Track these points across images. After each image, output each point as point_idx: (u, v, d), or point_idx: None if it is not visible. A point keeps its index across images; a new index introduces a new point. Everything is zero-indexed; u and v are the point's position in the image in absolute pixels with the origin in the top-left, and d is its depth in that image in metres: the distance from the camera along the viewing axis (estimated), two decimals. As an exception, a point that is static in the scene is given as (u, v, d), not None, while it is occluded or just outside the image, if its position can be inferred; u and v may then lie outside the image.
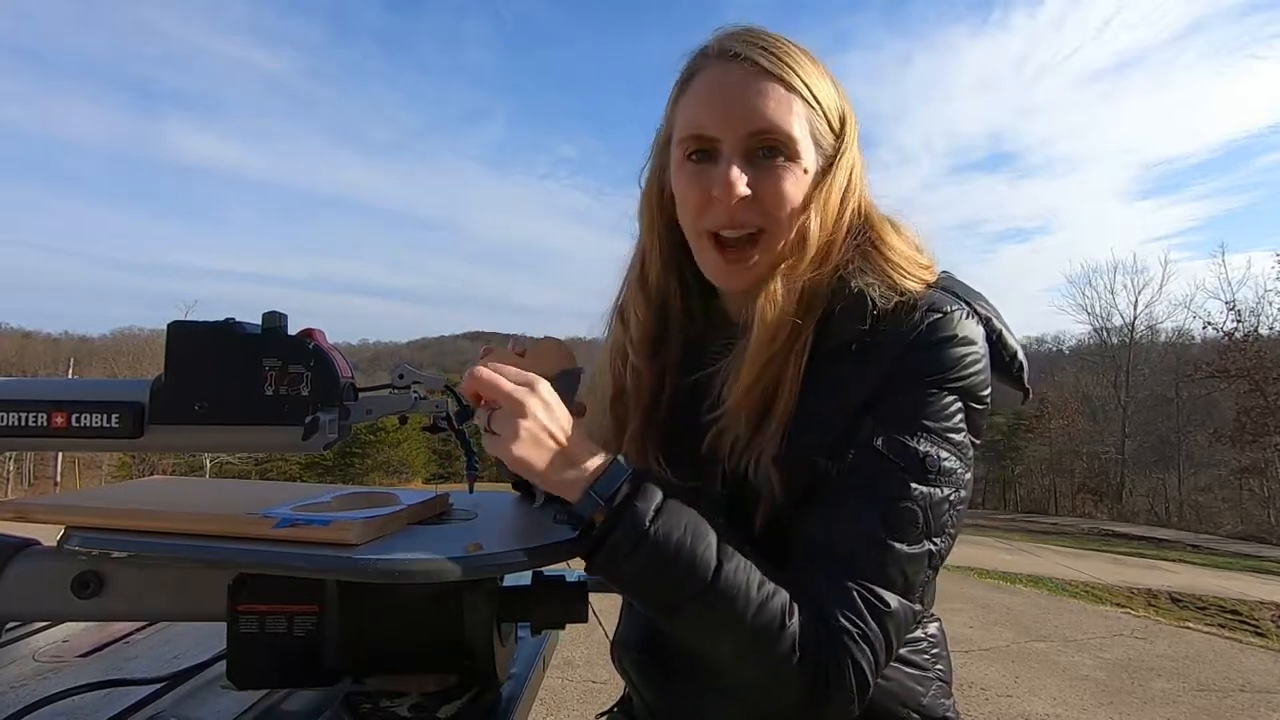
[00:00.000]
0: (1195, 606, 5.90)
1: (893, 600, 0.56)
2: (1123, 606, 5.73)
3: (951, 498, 0.59)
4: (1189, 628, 5.07)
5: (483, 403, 0.59)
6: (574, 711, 3.10)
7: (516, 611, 0.69)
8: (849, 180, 0.68)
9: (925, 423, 0.59)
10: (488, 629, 0.65)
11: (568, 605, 0.69)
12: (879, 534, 0.57)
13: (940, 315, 0.61)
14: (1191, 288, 29.88)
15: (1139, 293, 25.73)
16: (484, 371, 0.57)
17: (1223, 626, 5.23)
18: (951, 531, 0.59)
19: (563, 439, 0.57)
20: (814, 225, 0.65)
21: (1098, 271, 34.32)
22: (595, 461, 0.58)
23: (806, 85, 0.65)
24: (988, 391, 0.63)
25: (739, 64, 0.65)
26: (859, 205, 0.70)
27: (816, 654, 0.54)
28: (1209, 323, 20.20)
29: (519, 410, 0.56)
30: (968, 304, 0.64)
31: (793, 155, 0.65)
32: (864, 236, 0.67)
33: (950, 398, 0.60)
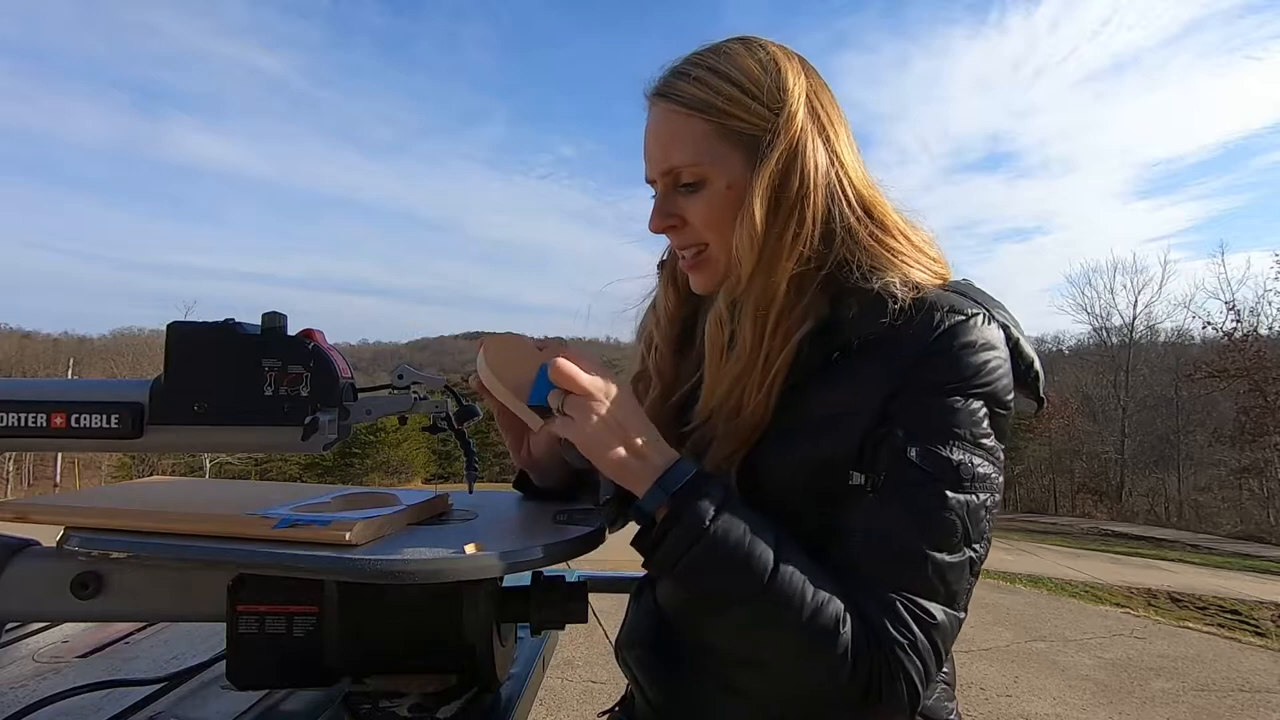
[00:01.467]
0: (1195, 606, 5.91)
1: (938, 611, 0.56)
2: (1122, 606, 5.74)
3: (987, 503, 0.59)
4: (1188, 627, 5.08)
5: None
6: (574, 711, 3.10)
7: (516, 611, 0.69)
8: (797, 167, 0.64)
9: (956, 430, 0.58)
10: (487, 629, 0.65)
11: (567, 605, 0.69)
12: (919, 546, 0.57)
13: (961, 319, 0.61)
14: (1191, 288, 29.90)
15: (1138, 293, 25.80)
16: (562, 362, 0.59)
17: (1222, 626, 5.24)
18: (988, 536, 0.60)
19: (633, 433, 0.59)
20: (742, 240, 0.64)
21: (1097, 271, 34.37)
22: (663, 458, 0.60)
23: (712, 93, 0.64)
24: (1011, 396, 0.62)
25: (654, 103, 0.68)
26: (832, 191, 0.65)
27: (869, 663, 0.54)
28: (1209, 323, 20.25)
29: (593, 397, 0.59)
30: (986, 310, 0.64)
31: (700, 182, 0.66)
32: (867, 228, 0.65)
33: (977, 404, 0.59)
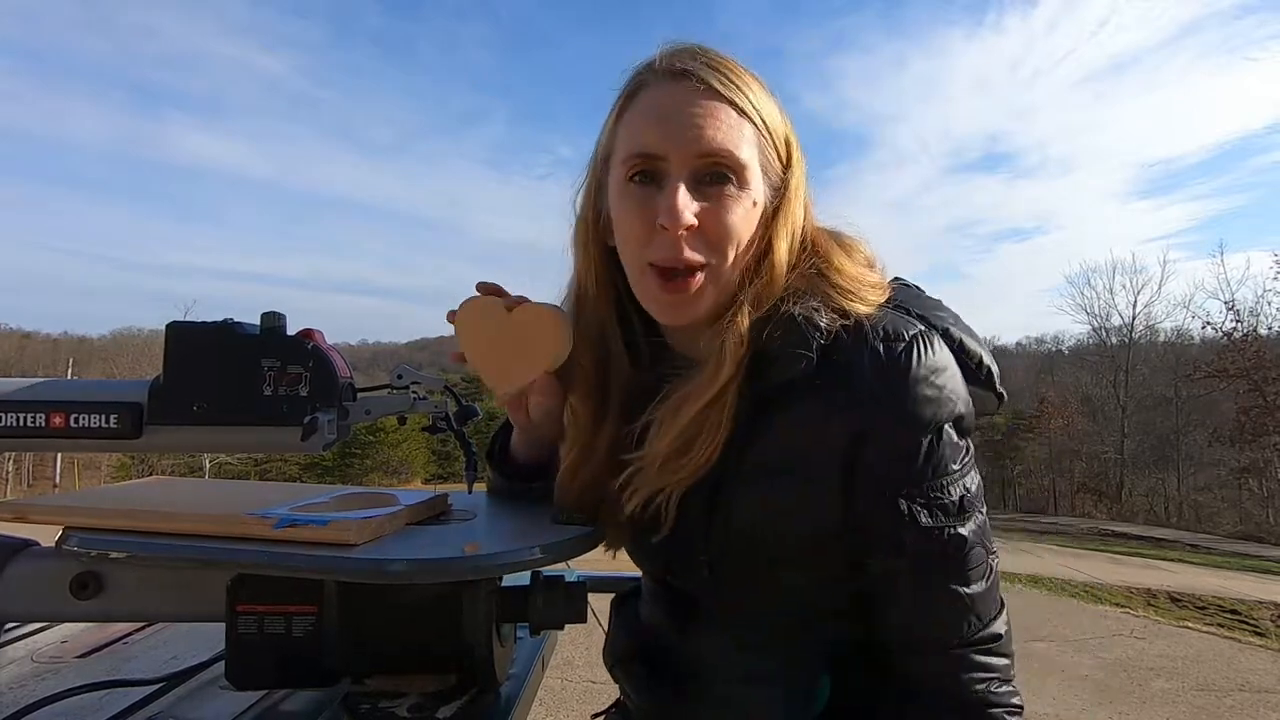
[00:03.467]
0: (1194, 606, 5.90)
1: (998, 626, 0.58)
2: (1122, 606, 5.73)
3: (984, 508, 0.59)
4: (1188, 627, 5.07)
5: None
6: (574, 712, 3.10)
7: (516, 611, 0.69)
8: (802, 211, 0.65)
9: (948, 467, 0.57)
10: (487, 629, 0.65)
11: (567, 605, 0.69)
12: (958, 590, 0.57)
13: (903, 346, 0.57)
14: (1190, 288, 29.77)
15: (1138, 293, 25.85)
16: None
17: (1222, 626, 5.23)
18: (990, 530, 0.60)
19: None
20: (782, 254, 0.62)
21: (1097, 271, 34.18)
22: None
23: (757, 110, 0.61)
24: (969, 401, 0.60)
25: (689, 82, 0.60)
26: (803, 237, 0.65)
27: None
28: (1208, 323, 20.29)
29: None
30: (922, 318, 0.62)
31: (742, 183, 0.60)
32: (809, 262, 0.63)
33: (949, 429, 0.58)
